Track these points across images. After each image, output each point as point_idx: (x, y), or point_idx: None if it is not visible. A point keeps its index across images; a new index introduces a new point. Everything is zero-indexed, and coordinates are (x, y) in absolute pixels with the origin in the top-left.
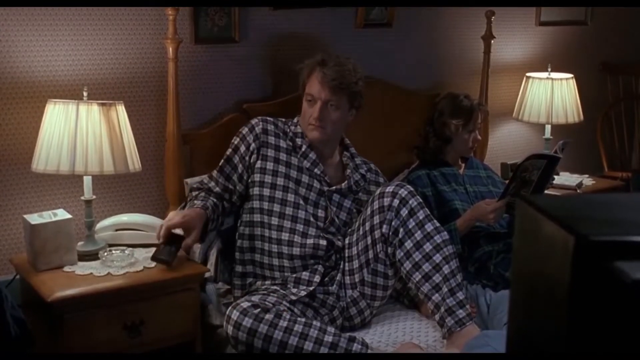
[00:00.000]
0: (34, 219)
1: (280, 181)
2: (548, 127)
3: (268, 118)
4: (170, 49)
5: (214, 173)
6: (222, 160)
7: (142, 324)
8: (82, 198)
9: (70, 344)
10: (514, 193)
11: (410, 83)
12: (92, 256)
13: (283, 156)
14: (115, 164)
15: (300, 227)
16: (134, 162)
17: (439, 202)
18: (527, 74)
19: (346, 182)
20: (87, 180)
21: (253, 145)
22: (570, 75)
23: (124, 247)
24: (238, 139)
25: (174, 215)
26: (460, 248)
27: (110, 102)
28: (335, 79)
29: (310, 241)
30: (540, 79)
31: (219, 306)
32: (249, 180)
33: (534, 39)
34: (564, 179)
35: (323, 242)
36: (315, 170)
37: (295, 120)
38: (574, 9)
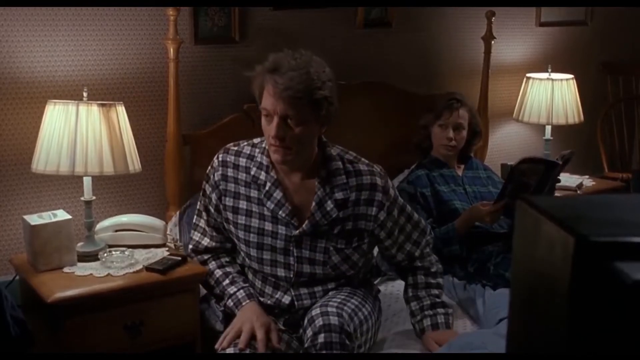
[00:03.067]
0: (34, 219)
1: (241, 219)
2: (548, 128)
3: (230, 148)
4: (171, 49)
5: (206, 229)
6: (202, 212)
7: (142, 324)
8: (82, 199)
9: (70, 345)
10: (511, 195)
11: (410, 83)
12: (91, 257)
13: (242, 189)
14: (115, 165)
15: (267, 269)
16: (134, 162)
17: (437, 202)
18: (527, 75)
19: (307, 222)
20: (87, 181)
21: (217, 188)
22: (571, 76)
23: (124, 248)
24: (209, 187)
25: (250, 331)
26: (459, 249)
27: (110, 102)
28: (289, 88)
29: (276, 295)
30: (540, 79)
31: (217, 312)
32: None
33: (534, 40)
34: (564, 179)
35: (286, 300)
36: (280, 212)
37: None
38: (574, 9)
